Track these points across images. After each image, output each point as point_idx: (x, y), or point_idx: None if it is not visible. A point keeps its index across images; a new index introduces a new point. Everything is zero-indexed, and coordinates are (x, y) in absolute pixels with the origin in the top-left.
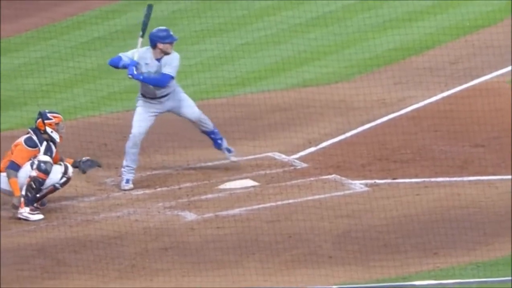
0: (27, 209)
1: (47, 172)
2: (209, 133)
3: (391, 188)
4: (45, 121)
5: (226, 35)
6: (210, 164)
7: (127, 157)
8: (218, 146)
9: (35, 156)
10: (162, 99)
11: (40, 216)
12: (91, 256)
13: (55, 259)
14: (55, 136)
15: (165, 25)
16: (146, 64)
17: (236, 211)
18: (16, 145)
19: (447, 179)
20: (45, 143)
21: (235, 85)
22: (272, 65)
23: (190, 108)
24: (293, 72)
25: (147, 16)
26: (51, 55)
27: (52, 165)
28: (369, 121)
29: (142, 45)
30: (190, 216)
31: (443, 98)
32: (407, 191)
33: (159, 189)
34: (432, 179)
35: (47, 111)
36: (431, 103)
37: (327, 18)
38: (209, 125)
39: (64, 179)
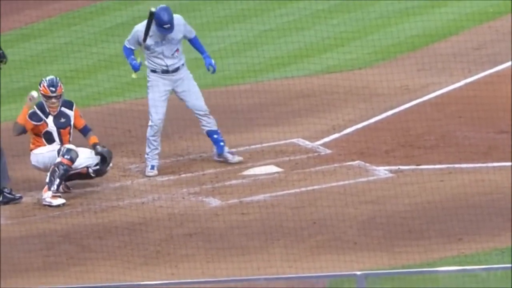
0: (50, 193)
1: (71, 160)
2: (212, 133)
3: (415, 174)
4: (38, 86)
5: (250, 21)
6: (234, 150)
7: (149, 144)
8: (220, 149)
9: (46, 132)
10: (174, 74)
11: (62, 201)
12: (116, 242)
13: (80, 245)
14: (44, 104)
15: (188, 12)
16: (150, 36)
17: (261, 197)
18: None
19: (471, 165)
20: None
21: (259, 71)
22: (295, 51)
23: (199, 101)
24: (316, 58)
25: (148, 23)
26: (74, 41)
27: (77, 154)
28: (392, 108)
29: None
30: (214, 202)
31: (467, 84)
32: (431, 177)
33: (183, 175)
34: (456, 165)
35: (46, 79)
36: (454, 89)
37: (350, 4)
38: (214, 124)
39: (97, 167)
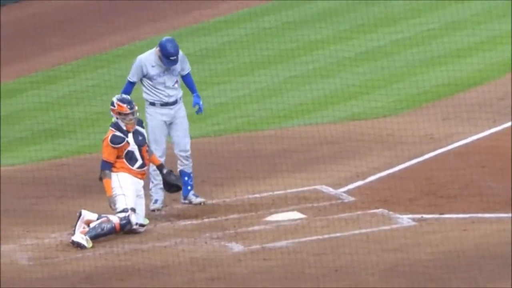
0: (85, 237)
1: (122, 228)
2: (184, 174)
3: (438, 223)
4: (110, 107)
5: (275, 67)
6: (257, 196)
7: (153, 179)
8: (186, 192)
9: (128, 152)
10: (172, 106)
11: (91, 244)
12: (138, 285)
13: (102, 287)
14: (120, 123)
15: (214, 57)
16: (153, 66)
17: (283, 243)
18: (103, 141)
19: (494, 215)
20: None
21: (283, 117)
22: (320, 98)
23: (186, 139)
24: (341, 105)
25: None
26: (101, 83)
27: (131, 226)
28: (416, 156)
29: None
30: (237, 247)
31: (491, 134)
32: (454, 226)
33: (206, 219)
34: (479, 215)
35: (117, 97)
36: (478, 139)
37: (375, 52)
38: (190, 166)
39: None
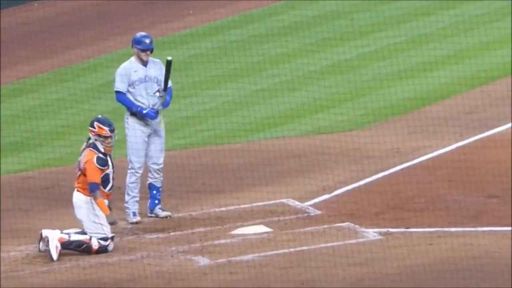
0: (59, 246)
1: (100, 251)
2: (153, 188)
3: (404, 237)
4: (90, 127)
5: (241, 80)
6: (224, 209)
7: (129, 191)
8: (153, 205)
9: (104, 175)
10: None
11: (56, 256)
12: None
13: None
14: (98, 145)
15: (181, 70)
16: (135, 72)
17: (249, 257)
18: (86, 163)
19: (461, 229)
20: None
21: (250, 130)
22: (286, 111)
23: (161, 153)
24: (307, 119)
25: (167, 71)
26: (66, 97)
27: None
28: (383, 170)
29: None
30: (203, 261)
31: (458, 148)
32: (420, 241)
33: (172, 233)
34: (446, 229)
35: (99, 117)
36: (445, 152)
37: (342, 66)
38: (160, 181)
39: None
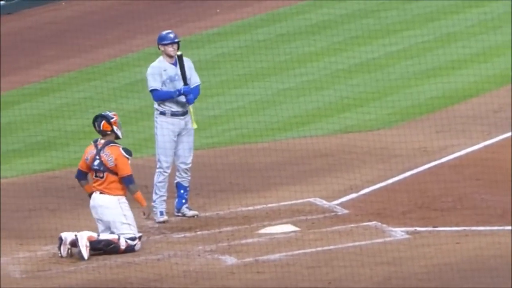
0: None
1: (127, 251)
2: (181, 187)
3: (432, 236)
4: (111, 121)
5: (269, 79)
6: (251, 208)
7: (157, 190)
8: (180, 205)
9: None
10: (182, 117)
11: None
12: None
13: None
14: (119, 133)
15: (208, 69)
16: (165, 71)
17: (276, 256)
18: (116, 159)
19: (488, 228)
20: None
21: (277, 129)
22: (314, 110)
23: (190, 152)
24: (335, 118)
25: (181, 66)
26: (94, 96)
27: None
28: (410, 169)
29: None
30: (230, 260)
31: (485, 146)
32: (448, 239)
33: (199, 232)
34: (473, 228)
35: (103, 113)
36: (473, 151)
37: (369, 64)
38: (188, 180)
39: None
